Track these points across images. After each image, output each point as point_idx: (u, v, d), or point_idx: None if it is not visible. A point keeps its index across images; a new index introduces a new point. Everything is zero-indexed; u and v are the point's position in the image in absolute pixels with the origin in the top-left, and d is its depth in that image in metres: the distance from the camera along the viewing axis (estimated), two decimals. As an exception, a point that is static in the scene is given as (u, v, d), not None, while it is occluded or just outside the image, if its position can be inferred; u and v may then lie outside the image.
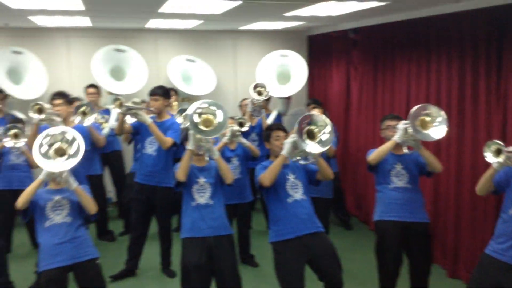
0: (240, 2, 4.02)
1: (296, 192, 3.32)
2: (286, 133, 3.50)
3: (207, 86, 6.56)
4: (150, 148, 4.33)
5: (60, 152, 3.09)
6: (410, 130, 3.45)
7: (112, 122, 5.25)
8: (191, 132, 3.30)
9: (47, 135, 3.12)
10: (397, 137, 3.51)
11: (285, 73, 6.26)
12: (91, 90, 5.76)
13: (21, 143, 4.37)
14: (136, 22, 5.88)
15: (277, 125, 3.66)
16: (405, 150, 3.63)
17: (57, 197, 3.22)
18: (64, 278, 3.17)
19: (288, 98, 6.04)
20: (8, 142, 4.35)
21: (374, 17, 5.26)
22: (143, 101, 5.41)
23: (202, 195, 3.39)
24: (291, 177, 3.34)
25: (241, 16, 5.20)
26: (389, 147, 3.55)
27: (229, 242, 3.44)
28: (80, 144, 3.11)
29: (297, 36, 7.13)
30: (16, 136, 4.35)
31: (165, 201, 4.41)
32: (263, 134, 3.66)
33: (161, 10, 4.57)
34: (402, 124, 3.52)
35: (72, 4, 4.21)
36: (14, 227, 5.02)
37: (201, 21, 5.68)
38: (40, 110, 4.28)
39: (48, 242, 3.17)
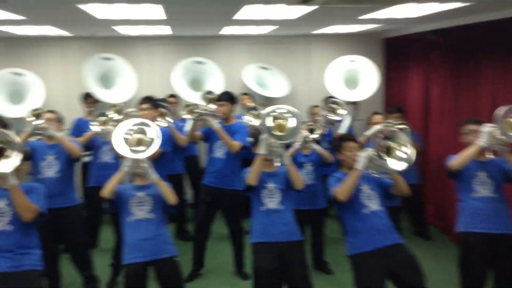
0: (316, 7, 4.00)
1: (372, 202, 3.22)
2: (358, 143, 3.42)
3: (281, 91, 6.59)
4: (219, 152, 4.42)
5: (140, 143, 3.25)
6: (497, 134, 3.24)
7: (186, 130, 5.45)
8: (263, 136, 3.31)
9: (126, 127, 3.31)
10: (482, 141, 3.31)
11: (354, 78, 6.17)
12: (172, 99, 5.99)
13: (109, 128, 4.62)
14: (211, 30, 6.04)
15: (350, 135, 3.59)
16: (489, 156, 3.42)
17: (140, 193, 3.34)
18: (144, 273, 3.30)
19: (355, 103, 5.90)
20: (95, 127, 4.71)
21: (455, 18, 5.01)
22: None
23: (271, 200, 3.40)
24: (365, 188, 3.25)
25: (316, 20, 5.17)
26: (473, 151, 3.35)
27: (300, 248, 3.41)
28: (157, 134, 3.26)
29: (372, 38, 6.97)
30: (104, 123, 4.69)
31: (232, 204, 4.47)
32: (334, 143, 3.60)
33: (235, 17, 4.66)
34: (487, 127, 3.32)
35: (155, 14, 4.41)
36: (101, 224, 5.34)
37: (276, 27, 5.72)
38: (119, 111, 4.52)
39: (131, 237, 3.31)
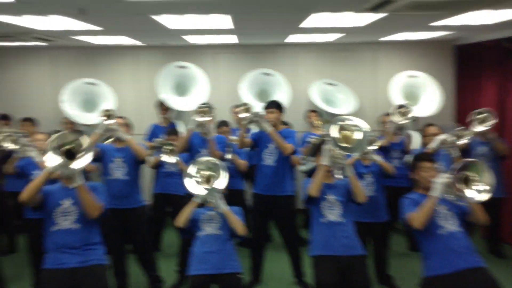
0: (385, 14, 3.92)
1: (449, 223, 3.07)
2: (435, 163, 3.28)
3: (348, 106, 6.46)
4: (268, 159, 4.40)
5: (208, 179, 3.40)
6: None
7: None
8: (326, 147, 3.27)
9: (197, 163, 3.47)
10: None
11: (414, 93, 6.08)
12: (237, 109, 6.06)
13: (173, 159, 4.73)
14: (277, 38, 6.08)
15: (425, 155, 3.45)
16: None
17: (211, 212, 3.46)
18: (207, 286, 3.36)
19: (415, 119, 5.70)
20: (164, 157, 4.77)
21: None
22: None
23: (332, 212, 3.34)
24: (441, 209, 3.10)
25: (384, 28, 5.07)
26: None
27: (362, 263, 3.33)
28: (225, 174, 3.40)
29: (442, 46, 6.71)
30: (171, 152, 4.73)
31: (286, 210, 4.44)
32: (410, 163, 3.47)
33: (302, 25, 4.66)
34: None
35: (223, 24, 4.51)
36: (165, 228, 5.51)
37: (342, 34, 5.66)
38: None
39: (198, 250, 3.42)
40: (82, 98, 6.29)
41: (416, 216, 3.03)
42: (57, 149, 2.94)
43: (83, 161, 2.97)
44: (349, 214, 3.39)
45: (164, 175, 5.20)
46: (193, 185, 3.38)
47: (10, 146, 4.24)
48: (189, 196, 3.51)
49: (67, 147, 2.96)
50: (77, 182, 3.04)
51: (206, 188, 3.38)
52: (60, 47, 6.60)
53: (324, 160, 3.29)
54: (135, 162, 4.27)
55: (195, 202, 3.39)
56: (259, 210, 4.47)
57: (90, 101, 6.30)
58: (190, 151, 4.60)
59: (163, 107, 6.11)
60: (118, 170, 4.23)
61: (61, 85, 6.30)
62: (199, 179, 3.39)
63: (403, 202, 3.21)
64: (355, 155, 4.11)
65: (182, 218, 3.40)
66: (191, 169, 3.43)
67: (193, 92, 6.34)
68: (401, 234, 5.44)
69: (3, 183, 5.52)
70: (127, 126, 4.51)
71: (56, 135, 3.01)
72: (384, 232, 4.52)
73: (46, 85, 6.78)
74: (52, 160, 2.93)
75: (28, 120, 6.06)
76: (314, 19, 4.28)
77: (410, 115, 5.01)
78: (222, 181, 3.36)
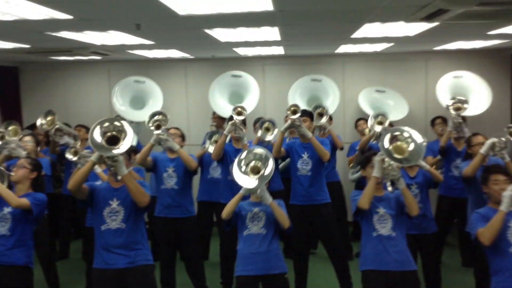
0: (438, 23, 3.83)
1: None
2: (508, 176, 3.15)
3: (398, 114, 6.31)
4: (303, 170, 4.39)
5: (256, 170, 3.31)
6: None
7: None
8: (377, 158, 3.20)
9: (245, 154, 3.40)
10: None
11: (462, 94, 5.84)
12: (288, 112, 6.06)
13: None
14: (326, 48, 6.07)
15: (497, 167, 3.32)
16: None
17: (256, 209, 3.42)
18: (254, 287, 3.36)
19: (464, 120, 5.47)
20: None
21: None
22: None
23: (383, 226, 3.25)
24: None
25: (436, 37, 4.95)
26: None
27: (414, 279, 3.23)
28: (272, 164, 3.31)
29: (499, 54, 6.47)
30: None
31: (328, 218, 4.40)
32: (481, 175, 3.36)
33: (353, 35, 4.64)
34: None
35: (271, 36, 4.55)
36: (211, 236, 5.56)
37: (391, 44, 5.58)
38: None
39: (244, 250, 3.40)
40: (130, 95, 6.42)
41: (483, 233, 2.92)
42: (100, 137, 2.96)
43: (123, 147, 2.97)
44: (401, 228, 3.29)
45: (208, 182, 5.24)
46: (241, 176, 3.32)
47: (71, 157, 4.45)
48: None
49: (110, 133, 2.98)
50: (123, 172, 3.06)
51: (253, 180, 3.29)
52: (114, 60, 6.86)
53: (375, 172, 3.21)
54: (186, 172, 4.35)
55: (241, 193, 3.34)
56: (299, 221, 4.37)
57: (138, 99, 6.44)
58: (222, 160, 4.60)
59: (215, 116, 6.21)
60: (171, 180, 4.32)
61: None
62: (247, 170, 3.32)
63: (472, 217, 3.10)
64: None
65: (227, 210, 3.35)
66: (240, 160, 3.38)
67: (245, 101, 6.40)
68: (454, 248, 5.25)
69: (60, 188, 5.78)
70: (181, 137, 4.58)
71: (98, 122, 3.01)
72: (434, 245, 4.35)
73: (102, 96, 7.05)
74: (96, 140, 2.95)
75: (83, 127, 6.34)
76: (366, 29, 4.25)
77: (464, 108, 4.94)
78: (269, 173, 3.28)
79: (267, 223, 3.39)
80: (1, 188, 3.28)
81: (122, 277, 3.17)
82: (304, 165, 4.41)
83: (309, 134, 4.30)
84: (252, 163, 3.36)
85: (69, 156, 4.44)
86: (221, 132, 4.98)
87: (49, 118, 5.31)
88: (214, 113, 6.18)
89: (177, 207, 4.32)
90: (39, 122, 5.35)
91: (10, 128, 5.15)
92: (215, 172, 5.22)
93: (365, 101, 6.36)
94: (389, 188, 3.24)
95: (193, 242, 4.42)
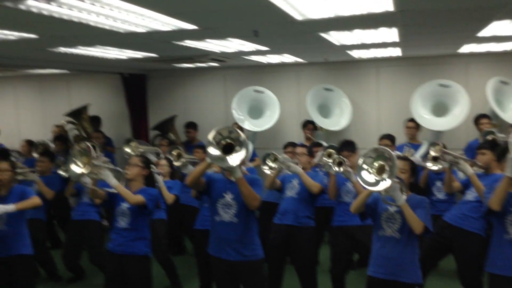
0: None
1: None
2: None
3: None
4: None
5: (381, 171, 3.07)
6: None
7: (418, 153, 5.29)
8: (511, 156, 2.91)
9: (366, 156, 3.17)
10: None
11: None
12: (411, 124, 5.84)
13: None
14: (447, 48, 5.74)
15: None
16: None
17: (392, 209, 3.19)
18: None
19: None
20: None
21: None
22: None
23: None
24: None
25: None
26: None
27: None
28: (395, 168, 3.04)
29: None
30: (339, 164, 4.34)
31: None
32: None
33: (479, 34, 4.33)
34: None
35: (388, 37, 4.42)
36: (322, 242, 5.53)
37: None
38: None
39: (377, 251, 3.24)
40: (249, 105, 6.67)
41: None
42: (217, 143, 3.04)
43: (239, 155, 3.02)
44: None
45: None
46: (367, 178, 3.08)
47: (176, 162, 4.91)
48: None
49: (226, 141, 3.05)
50: (237, 175, 3.13)
51: (376, 180, 3.02)
52: (230, 66, 7.16)
53: (507, 171, 2.93)
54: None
55: (368, 191, 3.12)
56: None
57: (256, 108, 6.67)
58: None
59: (309, 127, 6.22)
60: (292, 190, 4.27)
61: (231, 100, 6.78)
62: (372, 171, 3.07)
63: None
64: None
65: (356, 204, 3.22)
66: (361, 162, 3.14)
67: (333, 113, 6.38)
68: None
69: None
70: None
71: (216, 129, 3.10)
72: None
73: (218, 100, 7.41)
74: (212, 152, 3.04)
75: (192, 126, 6.68)
76: (494, 27, 3.94)
77: None
78: (394, 172, 3.00)
79: (403, 227, 3.13)
80: (120, 188, 3.55)
81: (235, 270, 3.28)
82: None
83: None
84: (377, 163, 3.07)
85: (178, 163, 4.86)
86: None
87: (174, 153, 5.50)
88: (305, 124, 6.29)
89: (291, 213, 4.20)
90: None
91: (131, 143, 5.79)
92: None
93: (490, 92, 5.80)
94: None
95: (307, 250, 4.26)
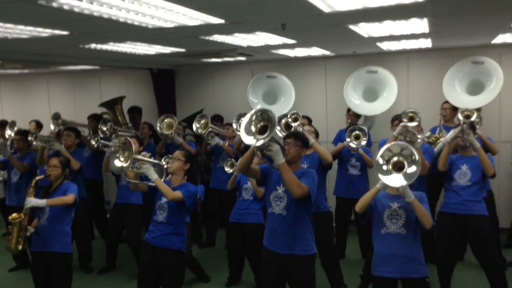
0: None
1: None
2: None
3: None
4: (461, 180, 4.16)
5: (398, 166, 3.09)
6: None
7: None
8: None
9: (387, 150, 3.17)
10: None
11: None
12: (446, 105, 5.66)
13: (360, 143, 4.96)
14: (480, 39, 5.57)
15: None
16: None
17: (394, 205, 3.24)
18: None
19: None
20: (352, 143, 4.96)
21: None
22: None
23: None
24: None
25: None
26: None
27: None
28: (418, 165, 3.05)
29: None
30: (357, 138, 4.95)
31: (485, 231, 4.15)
32: None
33: (515, 23, 4.20)
34: None
35: (418, 28, 4.33)
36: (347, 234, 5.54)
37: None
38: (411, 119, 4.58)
39: (381, 249, 3.26)
40: (264, 90, 6.55)
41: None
42: (251, 128, 3.01)
43: (268, 135, 2.95)
44: None
45: (347, 178, 5.31)
46: (383, 174, 3.10)
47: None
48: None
49: (262, 124, 3.00)
50: (279, 160, 3.07)
51: (395, 177, 3.05)
52: (257, 60, 7.15)
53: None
54: (320, 167, 4.35)
55: (377, 188, 3.19)
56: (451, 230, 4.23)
57: (271, 94, 6.57)
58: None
59: (350, 113, 6.13)
60: None
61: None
62: (388, 167, 3.09)
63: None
64: None
65: (361, 203, 3.26)
66: (380, 157, 3.15)
67: (381, 97, 6.16)
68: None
69: (208, 178, 6.22)
70: (314, 133, 4.65)
71: (249, 114, 3.07)
72: None
73: (246, 93, 7.39)
74: (248, 139, 3.00)
75: (218, 118, 6.73)
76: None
77: None
78: (413, 168, 3.03)
79: (408, 223, 3.18)
80: (160, 183, 3.62)
81: (283, 262, 3.29)
82: (462, 176, 4.17)
83: (477, 144, 4.05)
84: (395, 158, 3.11)
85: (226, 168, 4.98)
86: None
87: (202, 121, 5.75)
88: (349, 109, 6.12)
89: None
90: (195, 126, 5.78)
91: (165, 120, 5.86)
92: (354, 169, 5.34)
93: None
94: None
95: (326, 237, 4.46)
